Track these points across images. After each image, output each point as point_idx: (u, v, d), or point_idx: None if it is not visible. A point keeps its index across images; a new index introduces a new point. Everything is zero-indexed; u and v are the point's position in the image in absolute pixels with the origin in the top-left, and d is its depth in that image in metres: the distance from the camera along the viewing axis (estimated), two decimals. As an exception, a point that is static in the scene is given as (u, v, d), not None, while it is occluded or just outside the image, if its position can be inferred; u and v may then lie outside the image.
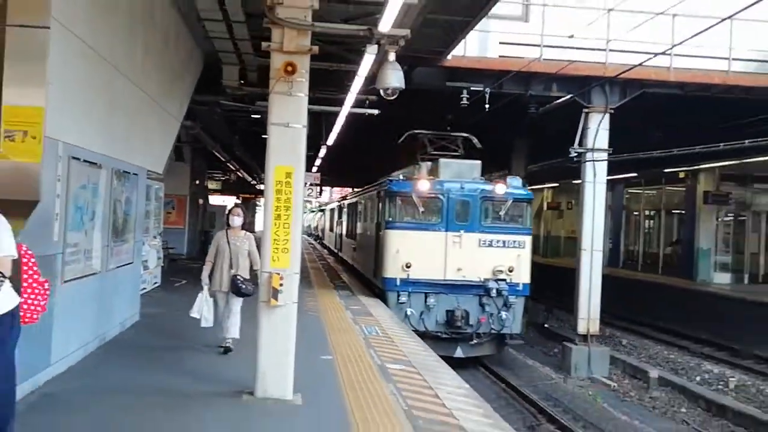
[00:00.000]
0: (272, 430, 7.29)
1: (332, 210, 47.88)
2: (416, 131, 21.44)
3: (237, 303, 10.52)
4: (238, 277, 10.30)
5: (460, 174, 19.01)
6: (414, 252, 18.01)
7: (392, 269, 18.15)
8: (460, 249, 18.05)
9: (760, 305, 22.24)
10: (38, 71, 7.72)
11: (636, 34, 16.89)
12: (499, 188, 18.26)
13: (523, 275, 18.31)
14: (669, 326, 24.46)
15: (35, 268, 4.76)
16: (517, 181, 19.52)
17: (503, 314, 17.88)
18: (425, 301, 17.85)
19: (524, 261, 18.52)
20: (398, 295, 17.93)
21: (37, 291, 5.11)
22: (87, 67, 9.19)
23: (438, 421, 7.88)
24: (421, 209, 18.45)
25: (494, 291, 17.69)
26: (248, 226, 11.09)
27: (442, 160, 19.51)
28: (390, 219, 18.80)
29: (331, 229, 46.42)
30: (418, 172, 19.20)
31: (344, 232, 34.78)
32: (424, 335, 16.56)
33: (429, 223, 18.59)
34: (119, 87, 10.67)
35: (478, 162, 19.86)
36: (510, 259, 18.18)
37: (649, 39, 17.03)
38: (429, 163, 19.90)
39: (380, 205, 20.35)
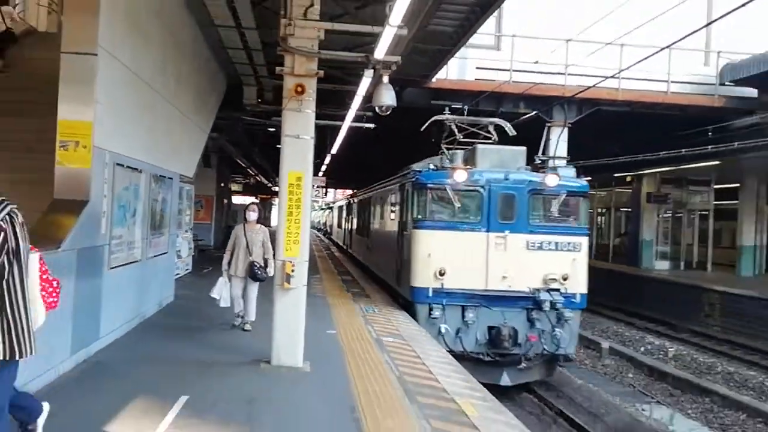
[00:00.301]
0: (286, 393, 7.27)
1: (341, 207, 41.09)
2: (441, 116, 15.96)
3: (254, 289, 10.29)
4: (255, 263, 10.05)
5: (502, 163, 13.90)
6: (449, 256, 13.06)
7: (422, 277, 13.15)
8: (505, 253, 13.09)
9: (692, 288, 22.32)
10: (87, 91, 7.73)
11: (591, 60, 17.06)
12: (551, 179, 13.23)
13: (579, 284, 13.41)
14: (618, 305, 24.45)
15: (45, 267, 4.64)
16: (569, 170, 14.88)
17: (557, 332, 12.84)
18: (463, 316, 12.86)
19: (580, 267, 13.57)
20: (430, 309, 12.95)
21: (49, 290, 4.97)
22: (129, 87, 9.18)
23: (425, 385, 7.89)
24: (458, 205, 13.30)
25: (547, 304, 12.72)
26: (263, 221, 10.82)
27: (479, 147, 14.39)
28: (419, 217, 13.64)
29: (340, 226, 40.11)
30: (451, 162, 14.15)
31: (355, 229, 28.81)
32: (462, 357, 11.92)
33: (467, 221, 13.36)
34: (157, 105, 10.67)
35: (523, 149, 14.48)
36: (564, 264, 13.27)
37: (602, 65, 17.11)
38: (461, 151, 14.98)
39: (406, 200, 15.07)
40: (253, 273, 10.03)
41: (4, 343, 3.74)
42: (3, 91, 10.16)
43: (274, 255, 9.01)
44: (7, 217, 3.77)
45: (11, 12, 14.76)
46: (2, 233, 3.72)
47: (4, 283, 3.77)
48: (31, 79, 9.92)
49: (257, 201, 11.45)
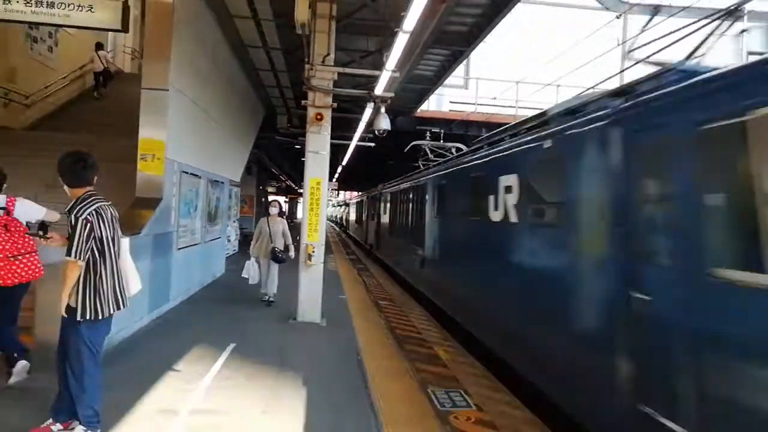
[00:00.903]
0: (308, 337, 7.33)
1: (359, 202, 32.18)
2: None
3: (275, 268, 9.59)
4: (276, 248, 9.42)
5: None
6: None
7: None
8: None
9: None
10: (161, 118, 7.77)
11: (536, 96, 17.13)
12: None
13: None
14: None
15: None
16: None
17: None
18: None
19: None
20: None
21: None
22: (192, 115, 9.22)
23: (410, 336, 7.97)
24: None
25: None
26: (282, 214, 10.36)
27: None
28: None
29: (359, 221, 29.95)
30: None
31: (386, 227, 17.89)
32: None
33: None
34: (212, 128, 10.70)
35: None
36: None
37: (543, 99, 17.22)
38: None
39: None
40: (275, 256, 9.46)
41: (90, 307, 3.76)
42: (101, 114, 10.23)
43: (298, 241, 8.99)
44: (93, 212, 3.76)
45: (106, 55, 14.87)
46: (89, 225, 3.72)
47: (92, 263, 3.78)
48: (121, 107, 9.98)
49: (277, 199, 11.04)
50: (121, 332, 6.50)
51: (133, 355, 6.05)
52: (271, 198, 21.77)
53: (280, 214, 10.06)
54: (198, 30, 9.16)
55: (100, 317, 3.79)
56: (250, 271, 9.49)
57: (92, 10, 6.97)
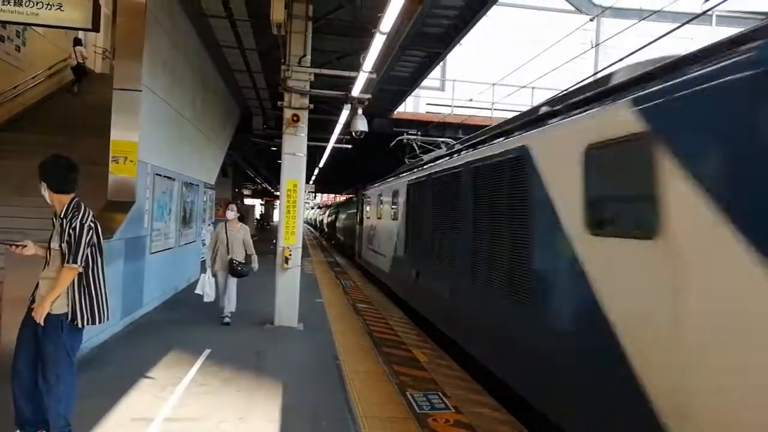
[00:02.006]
0: (285, 342, 7.27)
1: (339, 206, 28.69)
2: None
3: (233, 283, 8.22)
4: (234, 261, 8.09)
5: None
6: None
7: None
8: None
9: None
10: (134, 119, 7.64)
11: (511, 98, 17.28)
12: None
13: None
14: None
15: None
16: None
17: None
18: None
19: None
20: None
21: None
22: (166, 116, 9.08)
23: (388, 339, 7.96)
24: None
25: None
26: (244, 218, 8.74)
27: None
28: None
29: (349, 228, 22.10)
30: None
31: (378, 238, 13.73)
32: None
33: None
34: (186, 129, 10.56)
35: None
36: None
37: (519, 101, 17.35)
38: None
39: None
40: (233, 269, 8.12)
41: (86, 313, 3.76)
42: (72, 115, 10.02)
43: (274, 244, 8.80)
44: (93, 218, 3.81)
45: (82, 50, 14.67)
46: (92, 231, 3.75)
47: (88, 269, 3.78)
48: (92, 108, 9.79)
49: (235, 202, 9.85)
50: (92, 339, 6.36)
51: (105, 362, 5.92)
52: (255, 201, 21.31)
53: (241, 218, 8.66)
54: (171, 30, 9.03)
55: (96, 323, 3.79)
56: (206, 287, 8.10)
57: (62, 8, 6.79)
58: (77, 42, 14.51)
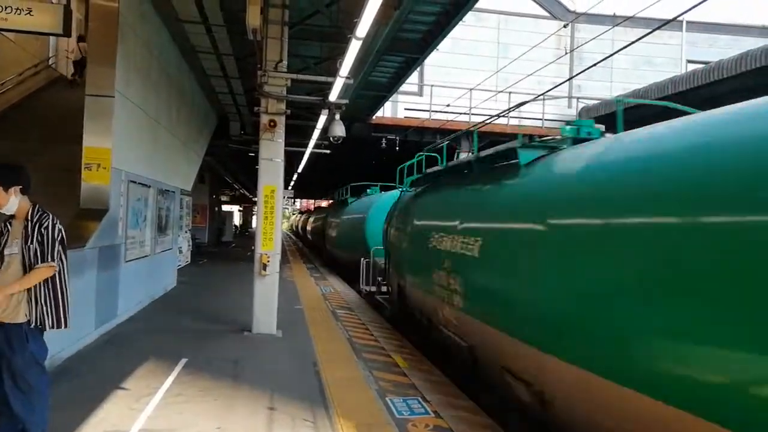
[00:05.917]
0: (263, 349, 7.21)
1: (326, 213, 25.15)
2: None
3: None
4: None
5: None
6: None
7: None
8: None
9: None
10: (106, 125, 7.52)
11: (488, 103, 17.42)
12: None
13: None
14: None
15: None
16: None
17: None
18: None
19: None
20: None
21: None
22: (139, 122, 8.96)
23: (368, 345, 7.94)
24: None
25: None
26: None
27: None
28: None
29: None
30: None
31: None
32: None
33: None
34: (161, 135, 10.42)
35: None
36: None
37: (495, 107, 17.46)
38: None
39: None
40: None
41: (53, 315, 3.72)
42: (42, 122, 9.80)
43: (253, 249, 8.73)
44: (59, 222, 3.80)
45: (85, 45, 14.63)
46: (61, 235, 3.75)
47: (57, 272, 3.75)
48: (64, 114, 9.60)
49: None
50: (65, 350, 6.22)
51: (78, 374, 5.79)
52: (234, 207, 20.90)
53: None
54: (145, 35, 8.92)
55: (61, 327, 3.75)
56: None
57: (31, 13, 6.66)
58: (81, 39, 14.65)
